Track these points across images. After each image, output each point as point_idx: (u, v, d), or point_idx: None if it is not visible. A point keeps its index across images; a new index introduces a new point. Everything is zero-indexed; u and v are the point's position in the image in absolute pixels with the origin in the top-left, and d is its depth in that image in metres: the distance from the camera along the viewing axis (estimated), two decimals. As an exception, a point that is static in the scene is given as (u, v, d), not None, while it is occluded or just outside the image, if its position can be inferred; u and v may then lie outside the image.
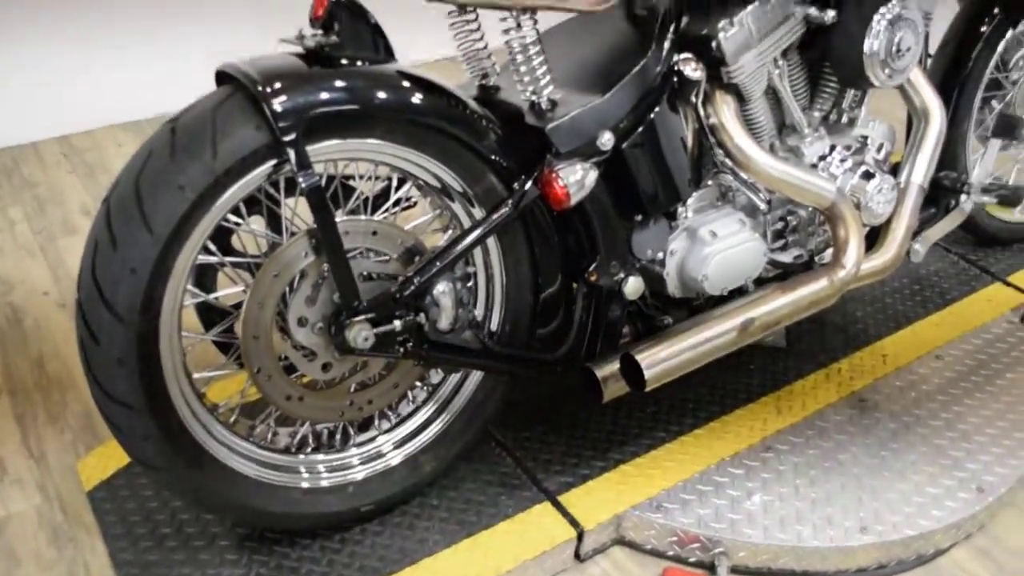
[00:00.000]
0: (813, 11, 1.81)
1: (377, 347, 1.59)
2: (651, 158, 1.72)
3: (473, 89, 1.75)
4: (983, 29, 2.29)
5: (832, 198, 1.86)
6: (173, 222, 1.41)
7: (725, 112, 1.79)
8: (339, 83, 1.48)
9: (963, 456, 1.97)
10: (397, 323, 1.60)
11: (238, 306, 1.63)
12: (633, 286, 1.77)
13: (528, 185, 1.61)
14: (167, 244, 1.42)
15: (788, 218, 1.98)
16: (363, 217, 1.62)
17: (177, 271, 1.46)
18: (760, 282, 1.98)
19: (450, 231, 1.73)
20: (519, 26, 1.59)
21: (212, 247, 1.59)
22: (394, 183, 1.68)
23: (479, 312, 1.74)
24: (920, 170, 2.02)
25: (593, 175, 1.60)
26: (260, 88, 1.42)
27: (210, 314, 1.73)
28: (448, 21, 1.69)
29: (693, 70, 1.72)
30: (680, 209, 1.83)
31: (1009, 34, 2.33)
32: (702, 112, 1.80)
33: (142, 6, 3.31)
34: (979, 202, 2.12)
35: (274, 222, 1.65)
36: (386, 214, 1.68)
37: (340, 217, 1.57)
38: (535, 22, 1.60)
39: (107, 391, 1.47)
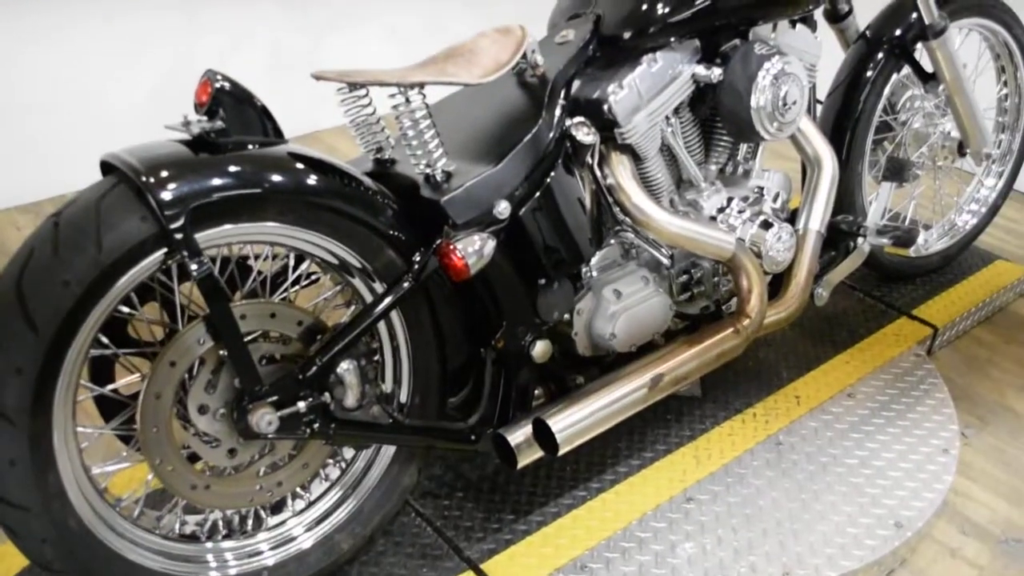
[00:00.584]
0: (700, 70, 1.85)
1: (282, 430, 1.56)
2: (550, 222, 1.73)
3: (367, 163, 1.75)
4: (869, 74, 2.36)
5: (732, 250, 1.89)
6: (59, 319, 1.37)
7: (621, 172, 1.81)
8: (226, 169, 1.46)
9: (880, 493, 2.00)
10: (301, 404, 1.57)
11: (137, 395, 1.59)
12: (541, 349, 1.77)
13: (427, 258, 1.61)
14: (54, 342, 1.38)
15: (692, 271, 2.00)
16: (260, 300, 1.59)
17: (67, 368, 1.42)
18: (669, 335, 2.00)
19: (353, 306, 1.72)
20: (408, 101, 1.59)
21: (104, 339, 1.55)
22: (291, 261, 1.66)
23: (387, 386, 1.73)
24: (817, 216, 2.07)
25: (491, 244, 1.61)
26: (144, 178, 1.39)
27: (109, 405, 1.68)
28: (339, 97, 1.69)
29: (586, 134, 1.74)
30: (584, 269, 1.84)
31: (894, 77, 2.40)
32: (599, 173, 1.82)
33: (41, 83, 3.25)
34: (875, 244, 2.17)
35: (170, 308, 1.62)
36: (286, 293, 1.66)
37: (237, 301, 1.55)
38: (424, 96, 1.61)
39: (1, 494, 1.42)
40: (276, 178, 1.49)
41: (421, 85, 1.58)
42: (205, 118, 1.50)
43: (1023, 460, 2.17)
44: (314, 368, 1.57)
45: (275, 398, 1.55)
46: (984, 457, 2.20)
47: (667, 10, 1.78)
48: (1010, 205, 2.98)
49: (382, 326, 1.69)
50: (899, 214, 2.76)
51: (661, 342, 1.96)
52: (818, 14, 2.25)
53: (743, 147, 2.03)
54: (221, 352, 1.53)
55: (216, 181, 1.44)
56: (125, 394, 1.65)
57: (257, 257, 1.66)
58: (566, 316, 1.82)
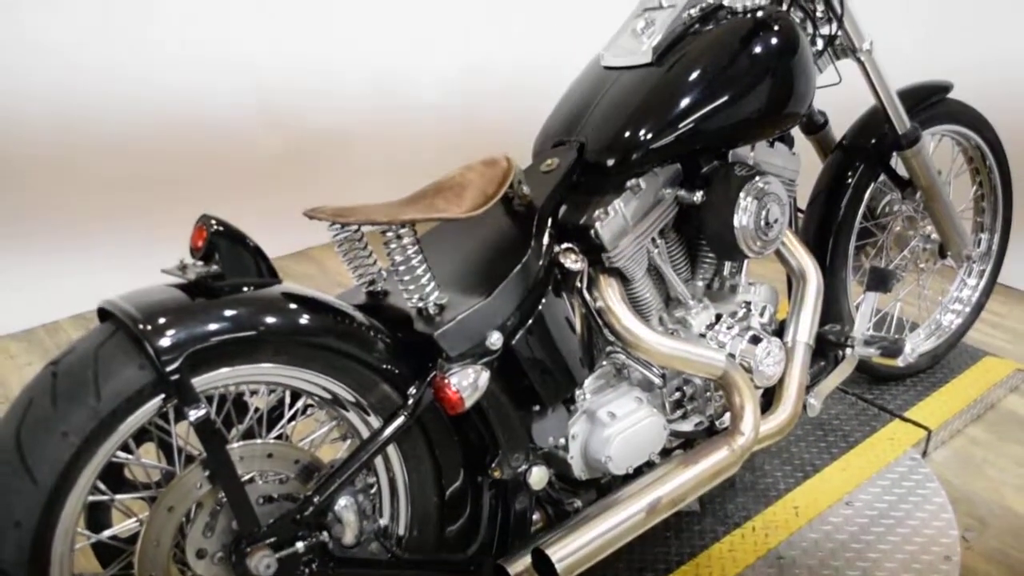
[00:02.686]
0: (683, 192, 1.90)
1: (281, 571, 1.55)
2: (542, 349, 1.75)
3: (360, 295, 1.77)
4: (848, 182, 2.42)
5: (723, 367, 1.91)
6: (58, 470, 1.38)
7: (610, 295, 1.84)
8: (222, 313, 1.48)
9: (882, 607, 1.98)
10: (300, 545, 1.56)
11: (135, 538, 1.58)
12: (537, 476, 1.77)
13: (422, 392, 1.62)
14: (52, 493, 1.38)
15: (684, 388, 2.02)
16: (257, 441, 1.60)
17: (65, 517, 1.41)
18: (666, 452, 2.00)
19: (349, 440, 1.72)
20: (399, 236, 1.63)
21: (102, 486, 1.54)
22: (287, 397, 1.67)
23: (384, 520, 1.72)
24: (804, 328, 2.10)
25: (486, 376, 1.62)
26: (141, 326, 1.41)
27: (107, 551, 1.67)
28: (330, 233, 1.73)
29: (574, 261, 1.77)
30: (578, 392, 1.86)
31: (872, 185, 2.46)
32: (588, 297, 1.85)
33: (19, 213, 3.30)
34: (863, 355, 2.19)
35: (167, 450, 1.62)
36: (282, 429, 1.67)
37: (234, 444, 1.56)
38: (415, 232, 1.64)
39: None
40: (271, 320, 1.51)
41: (412, 223, 1.62)
42: (201, 262, 1.53)
43: (1026, 563, 2.16)
44: (312, 507, 1.56)
45: (273, 539, 1.54)
46: (987, 561, 2.18)
47: (649, 137, 1.83)
48: (995, 299, 3.02)
49: (379, 460, 1.69)
50: (888, 315, 2.79)
51: (657, 460, 1.96)
52: (795, 128, 2.32)
53: (728, 263, 2.07)
54: (219, 495, 1.53)
55: (212, 326, 1.46)
56: (122, 538, 1.65)
57: (253, 394, 1.68)
58: (561, 441, 1.82)
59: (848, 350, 2.19)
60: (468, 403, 1.60)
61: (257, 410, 1.67)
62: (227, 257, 1.53)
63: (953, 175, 2.72)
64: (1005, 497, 2.38)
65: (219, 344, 1.46)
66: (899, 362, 2.13)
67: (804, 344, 2.09)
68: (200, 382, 1.47)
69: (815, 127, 2.48)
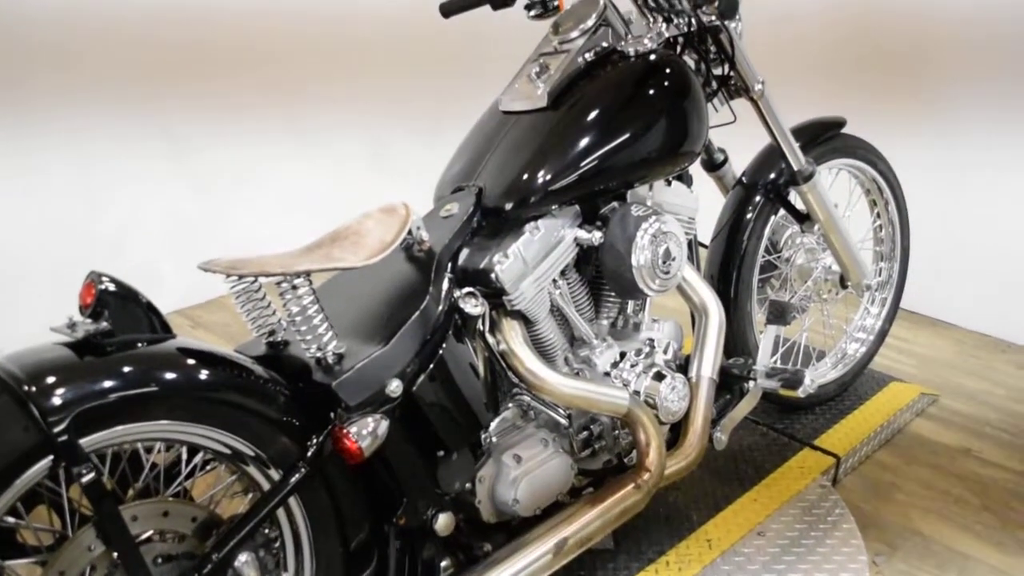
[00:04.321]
0: (582, 233, 1.92)
1: (181, 633, 1.52)
2: (445, 394, 1.76)
3: (260, 347, 1.76)
4: (748, 217, 2.48)
5: (627, 405, 1.94)
6: (-60, 540, 1.34)
7: (512, 337, 1.85)
8: (111, 371, 1.46)
9: (796, 634, 2.01)
10: (199, 605, 1.53)
11: (28, 606, 1.54)
12: (444, 522, 1.76)
13: (321, 442, 1.61)
14: (-64, 564, 1.34)
15: (591, 427, 2.03)
16: (153, 500, 1.56)
17: (-49, 588, 1.37)
18: (576, 491, 2.01)
19: (250, 494, 1.70)
20: (294, 288, 1.62)
21: (-11, 552, 1.50)
22: (184, 454, 1.64)
23: (288, 573, 1.69)
24: (708, 363, 2.13)
25: (385, 424, 1.62)
26: (26, 387, 1.39)
27: (-2, 620, 1.62)
28: (227, 285, 1.71)
29: (474, 306, 1.78)
30: (483, 435, 1.86)
31: (772, 219, 2.52)
32: (491, 340, 1.86)
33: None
34: (765, 387, 2.24)
35: (59, 511, 1.58)
36: (180, 486, 1.64)
37: (128, 503, 1.52)
38: (310, 282, 1.64)
39: None
40: (163, 376, 1.49)
41: (307, 273, 1.61)
42: (90, 320, 1.51)
43: (933, 585, 2.21)
44: (210, 565, 1.53)
45: (170, 600, 1.51)
46: (896, 585, 2.23)
47: (546, 180, 1.86)
48: (899, 324, 3.10)
49: (281, 513, 1.67)
50: (795, 345, 2.85)
51: (567, 500, 1.97)
52: (696, 164, 2.37)
53: (631, 302, 2.10)
54: (113, 556, 1.49)
55: (101, 384, 1.44)
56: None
57: (149, 451, 1.64)
58: (468, 485, 1.82)
59: (751, 383, 2.23)
60: (367, 452, 1.59)
61: (155, 467, 1.64)
62: (117, 314, 1.51)
63: (851, 207, 2.80)
64: (913, 520, 2.43)
65: (110, 403, 1.44)
66: (799, 393, 2.17)
67: (708, 379, 2.13)
68: (91, 442, 1.43)
69: (715, 165, 2.54)
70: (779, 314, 2.24)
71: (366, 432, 1.60)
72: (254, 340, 1.78)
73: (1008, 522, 2.40)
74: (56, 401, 1.39)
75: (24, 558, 1.56)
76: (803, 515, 2.37)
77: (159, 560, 1.54)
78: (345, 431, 1.58)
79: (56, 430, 1.38)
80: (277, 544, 1.69)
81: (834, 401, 2.85)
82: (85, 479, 1.41)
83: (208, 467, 1.71)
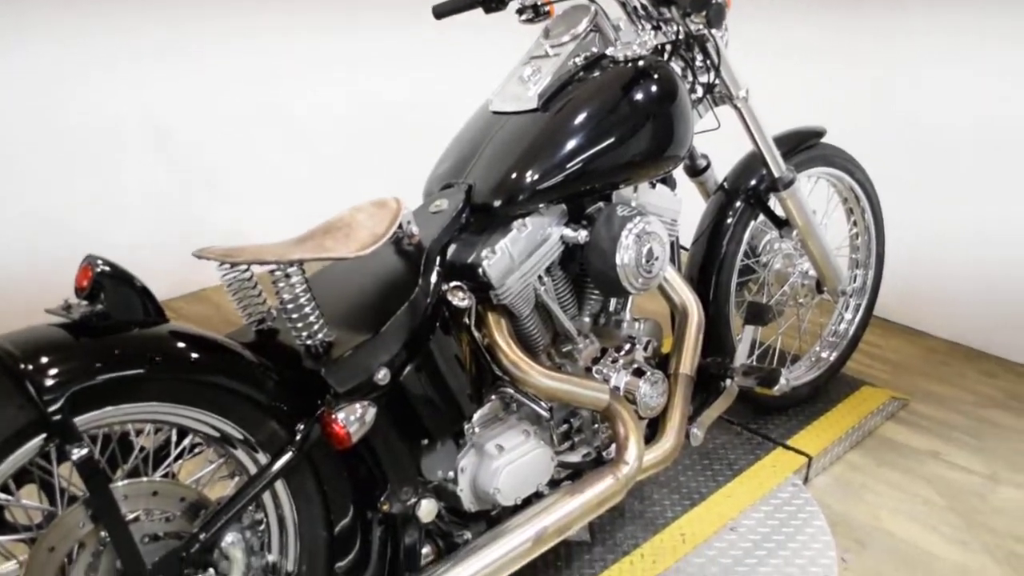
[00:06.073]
0: (568, 232, 1.97)
1: (167, 611, 1.55)
2: (430, 384, 1.80)
3: (250, 334, 1.79)
4: (729, 222, 2.53)
5: (607, 399, 1.99)
6: (-66, 514, 1.36)
7: (497, 331, 1.90)
8: (106, 352, 1.49)
9: (764, 629, 2.06)
10: (185, 583, 1.57)
11: (16, 583, 1.56)
12: (426, 509, 1.81)
13: (310, 428, 1.65)
14: (-72, 537, 1.36)
15: (571, 420, 2.08)
16: (143, 479, 1.60)
17: (-59, 562, 1.40)
18: (555, 483, 2.06)
19: (237, 478, 1.73)
20: (287, 276, 1.66)
21: (-20, 529, 1.53)
22: (174, 436, 1.67)
23: (273, 557, 1.73)
24: (686, 361, 2.19)
25: (372, 411, 1.66)
26: (22, 365, 1.41)
27: (-14, 595, 1.64)
28: (219, 273, 1.74)
29: (461, 299, 1.82)
30: (467, 426, 1.90)
31: (752, 224, 2.58)
32: (476, 333, 1.90)
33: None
34: (742, 385, 2.29)
35: (48, 490, 1.61)
36: (169, 468, 1.67)
37: (118, 482, 1.55)
38: (303, 271, 1.67)
39: None
40: (156, 359, 1.52)
41: (300, 262, 1.65)
42: (86, 302, 1.54)
43: (898, 583, 2.28)
44: (197, 544, 1.57)
45: (158, 578, 1.54)
46: (863, 582, 2.29)
47: (534, 179, 1.90)
48: (872, 331, 3.17)
49: (267, 496, 1.70)
50: (770, 348, 2.91)
51: (546, 492, 2.01)
52: (679, 169, 2.42)
53: (613, 300, 2.15)
54: (102, 534, 1.52)
55: (96, 365, 1.47)
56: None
57: (139, 433, 1.68)
58: (450, 474, 1.86)
59: (728, 381, 2.28)
60: (355, 438, 1.63)
61: (143, 449, 1.67)
62: (113, 297, 1.54)
63: (829, 214, 2.87)
64: (882, 520, 2.50)
65: (103, 383, 1.47)
66: (775, 391, 2.23)
67: (686, 376, 2.18)
68: (83, 421, 1.46)
69: (698, 170, 2.59)
70: (757, 315, 2.30)
71: (354, 418, 1.63)
72: (244, 327, 1.82)
73: (973, 523, 2.47)
74: (51, 380, 1.42)
75: (13, 535, 1.59)
76: (775, 512, 2.43)
77: (147, 539, 1.57)
78: (334, 417, 1.62)
79: (51, 409, 1.41)
80: (263, 526, 1.73)
81: (807, 403, 2.91)
82: (78, 457, 1.44)
83: (195, 451, 1.74)
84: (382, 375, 1.70)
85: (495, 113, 2.06)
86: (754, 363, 2.72)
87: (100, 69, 3.54)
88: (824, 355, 2.97)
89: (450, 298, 1.82)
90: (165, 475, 1.66)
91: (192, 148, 3.85)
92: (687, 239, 2.55)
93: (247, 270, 1.74)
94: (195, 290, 3.78)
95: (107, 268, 1.54)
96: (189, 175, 3.88)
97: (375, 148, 4.07)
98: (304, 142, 4.11)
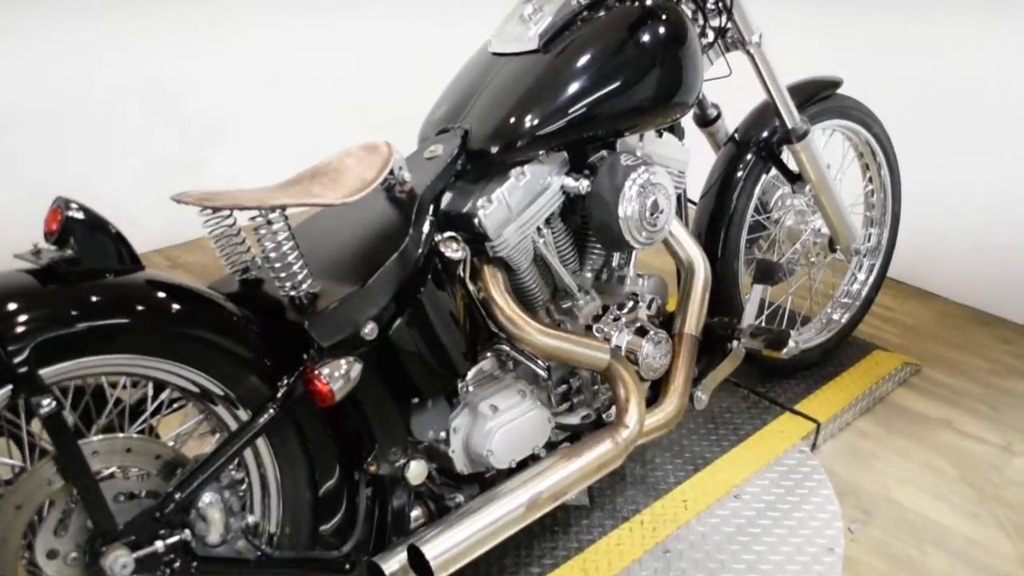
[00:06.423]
0: (569, 181, 1.87)
1: (139, 572, 1.48)
2: (421, 340, 1.71)
3: (233, 284, 1.70)
4: (739, 175, 2.43)
5: (607, 359, 1.90)
6: None
7: (493, 285, 1.81)
8: (76, 300, 1.40)
9: (768, 598, 1.99)
10: (159, 544, 1.49)
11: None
12: (416, 470, 1.73)
13: (292, 383, 1.56)
14: None
15: (571, 381, 2.00)
16: (116, 435, 1.51)
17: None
18: (552, 445, 1.97)
19: (218, 435, 1.65)
20: (269, 223, 1.56)
21: (-56, 484, 1.45)
22: (150, 391, 1.59)
23: (254, 517, 1.65)
24: (691, 320, 2.09)
25: (358, 368, 1.57)
26: (-14, 313, 1.33)
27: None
28: (201, 218, 1.65)
29: (455, 250, 1.73)
30: (460, 384, 1.82)
31: (763, 178, 2.47)
32: (471, 287, 1.81)
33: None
34: (749, 347, 2.20)
35: (20, 444, 1.53)
36: (146, 423, 1.59)
37: (91, 438, 1.48)
38: (286, 217, 1.58)
39: None
40: (130, 308, 1.44)
41: (283, 208, 1.56)
42: (55, 247, 1.45)
43: (907, 552, 2.19)
44: (173, 504, 1.49)
45: (131, 539, 1.47)
46: (870, 552, 2.21)
47: (534, 124, 1.80)
48: (885, 293, 3.07)
49: (249, 455, 1.62)
50: (780, 308, 2.82)
51: (543, 454, 1.93)
52: (688, 119, 2.32)
53: (617, 254, 2.05)
54: (73, 492, 1.45)
55: (64, 313, 1.39)
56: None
57: (114, 386, 1.59)
58: (442, 434, 1.78)
59: (735, 342, 2.19)
60: (339, 395, 1.54)
61: (120, 403, 1.59)
62: (84, 242, 1.45)
63: (844, 170, 2.76)
64: (890, 489, 2.42)
65: (72, 333, 1.39)
66: (783, 354, 2.14)
67: (691, 336, 2.09)
68: (52, 373, 1.39)
69: (708, 120, 2.48)
70: (766, 273, 2.20)
71: (338, 374, 1.55)
72: (227, 277, 1.73)
73: (985, 495, 2.39)
74: (16, 329, 1.34)
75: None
76: (781, 480, 2.35)
77: (121, 497, 1.49)
78: (317, 372, 1.53)
79: (16, 360, 1.33)
80: (244, 486, 1.65)
81: (817, 367, 2.82)
82: (44, 411, 1.36)
83: (175, 406, 1.66)
84: (369, 329, 1.61)
85: (494, 55, 1.95)
86: (763, 324, 2.62)
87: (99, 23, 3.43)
88: (835, 317, 2.87)
89: (443, 249, 1.73)
90: (142, 431, 1.58)
91: (192, 100, 3.75)
92: (695, 192, 2.44)
93: (229, 215, 1.65)
94: (194, 238, 3.69)
95: (79, 213, 1.46)
96: (188, 125, 3.78)
97: (383, 99, 3.94)
98: (310, 90, 4.00)
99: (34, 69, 3.36)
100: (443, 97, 1.98)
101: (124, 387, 1.59)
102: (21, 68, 3.34)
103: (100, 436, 1.49)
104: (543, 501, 1.80)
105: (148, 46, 3.59)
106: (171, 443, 1.60)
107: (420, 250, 1.71)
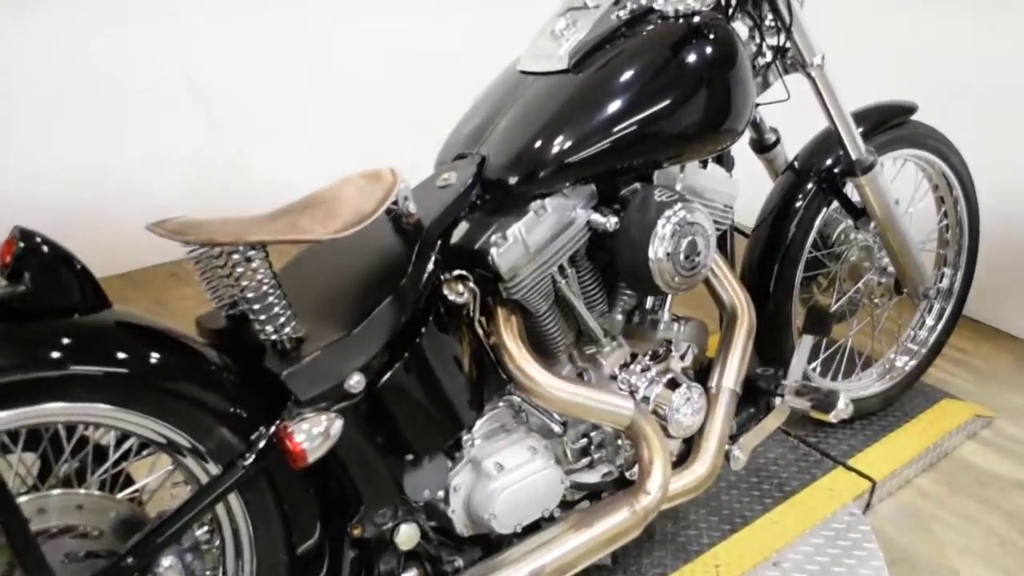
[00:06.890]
0: (596, 217, 1.68)
1: (86, 645, 1.34)
2: (420, 392, 1.53)
3: (219, 320, 1.55)
4: (797, 206, 2.21)
5: (630, 416, 1.70)
6: None
7: (506, 330, 1.63)
8: (22, 342, 1.26)
9: None
10: (109, 614, 1.35)
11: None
12: (406, 535, 1.56)
13: (268, 438, 1.40)
14: None
15: (591, 435, 1.81)
16: (69, 490, 1.37)
17: None
18: (569, 504, 1.79)
19: (189, 487, 1.50)
20: (248, 260, 1.40)
21: None
22: (112, 439, 1.44)
23: (225, 579, 1.50)
24: (731, 373, 1.89)
25: (339, 424, 1.40)
26: (-80, 355, 1.20)
27: None
28: (185, 251, 1.50)
29: (459, 294, 1.56)
30: (465, 437, 1.64)
31: (825, 211, 2.25)
32: (480, 330, 1.63)
33: None
34: (794, 406, 1.98)
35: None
36: (106, 474, 1.44)
37: (42, 491, 1.34)
38: (267, 254, 1.42)
39: None
40: (86, 353, 1.30)
41: (263, 244, 1.40)
42: (6, 282, 1.31)
43: (966, 638, 1.97)
44: (125, 567, 1.34)
45: (75, 607, 1.33)
46: (922, 634, 1.99)
47: (558, 153, 1.62)
48: (959, 333, 2.81)
49: (222, 511, 1.47)
50: (840, 347, 2.58)
51: (557, 513, 1.75)
52: (745, 145, 2.11)
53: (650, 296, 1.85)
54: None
55: (9, 357, 1.25)
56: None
57: (72, 431, 1.45)
58: (440, 493, 1.61)
59: (778, 399, 1.97)
60: (312, 457, 1.38)
61: (84, 445, 1.45)
62: (41, 277, 1.31)
63: (916, 203, 2.51)
64: (950, 558, 2.18)
65: (16, 380, 1.24)
66: (831, 418, 1.92)
67: (729, 390, 1.88)
68: (-4, 421, 1.24)
69: (765, 145, 2.27)
70: (817, 324, 1.97)
71: (316, 432, 1.38)
72: (214, 312, 1.57)
73: (1059, 572, 2.14)
74: (-50, 373, 1.20)
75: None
76: (826, 547, 2.12)
77: (65, 559, 1.35)
78: (290, 431, 1.37)
79: None
80: (212, 547, 1.50)
81: (876, 416, 2.57)
82: (-22, 465, 1.23)
83: (145, 452, 1.51)
84: (355, 381, 1.44)
85: (523, 73, 1.77)
86: (817, 370, 2.40)
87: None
88: (899, 363, 2.61)
89: (445, 292, 1.55)
90: (105, 481, 1.44)
91: (227, 96, 3.64)
92: (749, 221, 2.23)
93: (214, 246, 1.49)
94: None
95: (34, 244, 1.31)
96: (225, 123, 3.68)
97: (421, 98, 3.79)
98: (348, 90, 3.87)
99: (75, 59, 3.29)
100: (465, 118, 1.80)
101: (87, 429, 1.45)
102: (62, 58, 3.27)
103: (47, 492, 1.35)
104: (548, 574, 1.61)
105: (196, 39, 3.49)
106: (137, 495, 1.45)
107: (420, 290, 1.53)
